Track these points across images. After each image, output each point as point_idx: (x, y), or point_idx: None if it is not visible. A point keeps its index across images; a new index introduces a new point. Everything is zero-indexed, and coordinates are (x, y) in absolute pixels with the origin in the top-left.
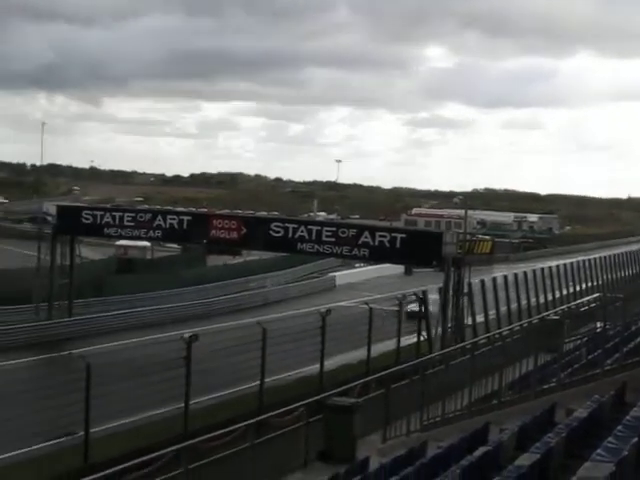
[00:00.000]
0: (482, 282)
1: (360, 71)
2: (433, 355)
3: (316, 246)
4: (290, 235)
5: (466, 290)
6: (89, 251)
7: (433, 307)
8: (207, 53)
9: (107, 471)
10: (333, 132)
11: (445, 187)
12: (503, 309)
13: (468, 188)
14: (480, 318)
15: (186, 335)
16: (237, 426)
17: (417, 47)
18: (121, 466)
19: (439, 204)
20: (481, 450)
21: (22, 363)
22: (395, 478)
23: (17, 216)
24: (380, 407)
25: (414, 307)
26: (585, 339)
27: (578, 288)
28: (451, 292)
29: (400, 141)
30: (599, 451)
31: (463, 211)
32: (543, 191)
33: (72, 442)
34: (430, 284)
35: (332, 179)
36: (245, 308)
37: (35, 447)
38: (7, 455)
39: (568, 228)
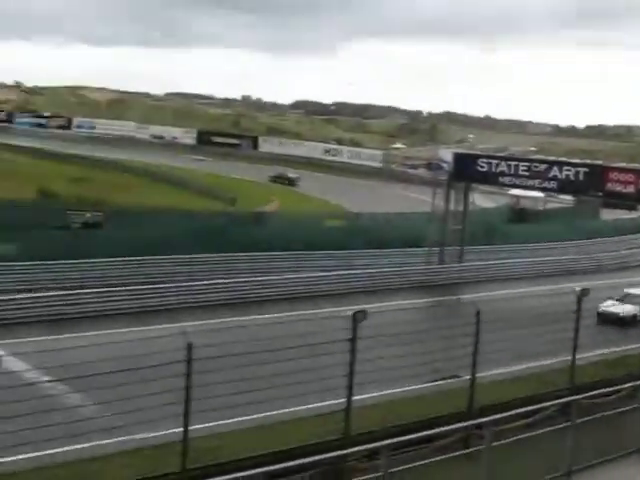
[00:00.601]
0: None
1: None
2: None
3: None
4: None
5: None
6: (481, 199)
7: None
8: None
9: (496, 416)
10: None
11: None
12: None
13: None
14: None
15: (577, 288)
16: (625, 386)
17: None
18: (505, 414)
19: None
20: None
21: (414, 304)
22: None
23: (413, 162)
24: None
25: (609, 306)
26: None
27: None
28: None
29: None
30: None
31: None
32: None
33: (457, 385)
34: None
35: None
36: (635, 266)
37: (421, 386)
38: (397, 390)
39: None
